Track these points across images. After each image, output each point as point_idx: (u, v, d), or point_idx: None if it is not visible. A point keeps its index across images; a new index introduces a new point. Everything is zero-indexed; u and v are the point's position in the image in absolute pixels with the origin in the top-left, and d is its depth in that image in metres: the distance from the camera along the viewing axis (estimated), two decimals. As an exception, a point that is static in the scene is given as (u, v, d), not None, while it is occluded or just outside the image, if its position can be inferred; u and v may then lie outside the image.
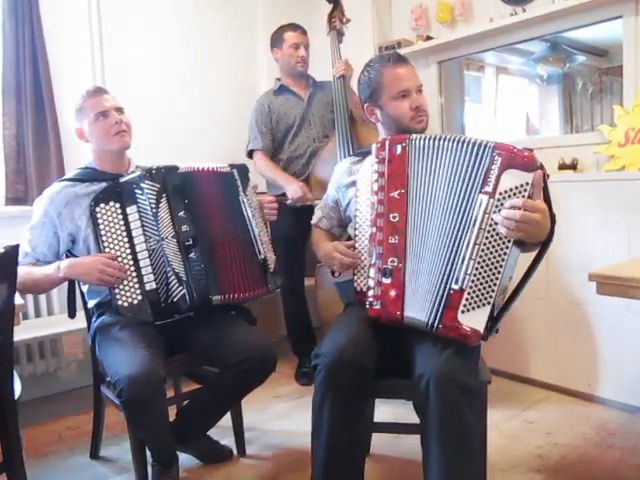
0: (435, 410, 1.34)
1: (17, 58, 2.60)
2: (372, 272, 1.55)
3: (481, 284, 1.38)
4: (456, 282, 1.39)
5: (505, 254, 1.37)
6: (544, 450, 2.05)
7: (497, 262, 1.37)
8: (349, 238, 1.76)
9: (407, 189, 1.51)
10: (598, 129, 2.46)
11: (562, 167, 2.51)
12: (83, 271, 1.74)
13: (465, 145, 1.43)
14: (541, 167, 1.35)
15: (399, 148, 1.53)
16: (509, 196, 1.35)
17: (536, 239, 1.39)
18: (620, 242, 2.25)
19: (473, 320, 1.39)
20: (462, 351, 1.41)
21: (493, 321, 1.41)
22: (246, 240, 1.90)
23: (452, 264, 1.41)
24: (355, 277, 1.63)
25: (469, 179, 1.41)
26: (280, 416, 2.45)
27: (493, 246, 1.37)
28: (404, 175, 1.52)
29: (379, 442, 2.01)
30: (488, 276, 1.38)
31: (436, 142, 1.49)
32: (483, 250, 1.37)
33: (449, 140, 1.47)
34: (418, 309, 1.46)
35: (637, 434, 2.13)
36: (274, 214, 2.04)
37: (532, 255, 1.46)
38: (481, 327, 1.39)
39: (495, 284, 1.38)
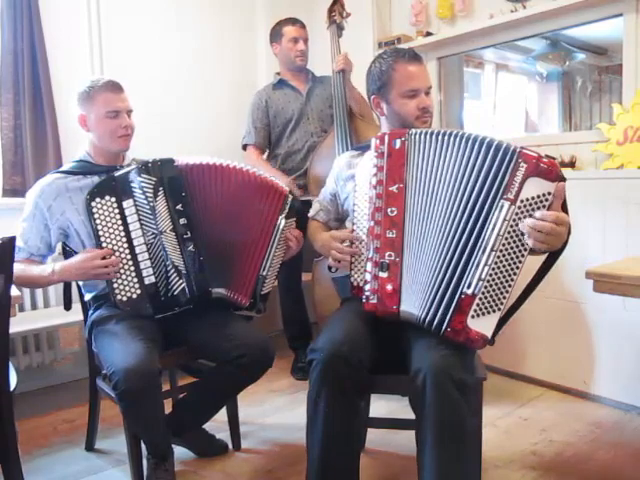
0: (431, 406, 1.34)
1: (15, 49, 2.58)
2: (369, 266, 1.54)
3: (494, 290, 1.37)
4: (468, 287, 1.38)
5: (520, 262, 1.36)
6: (539, 447, 2.06)
7: (512, 270, 1.36)
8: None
9: (406, 183, 1.50)
10: (597, 127, 2.46)
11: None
12: (77, 272, 1.74)
13: (479, 144, 1.39)
14: (563, 178, 1.33)
15: (398, 142, 1.52)
16: (530, 204, 1.33)
17: (553, 249, 1.39)
18: (618, 240, 2.25)
19: (482, 325, 1.38)
20: (459, 347, 1.41)
21: (498, 326, 1.41)
22: (257, 249, 1.86)
23: (464, 267, 1.38)
24: (352, 272, 1.63)
25: (485, 182, 1.37)
26: (276, 410, 2.46)
27: (509, 254, 1.35)
28: (403, 169, 1.50)
29: (374, 437, 2.01)
30: (502, 283, 1.36)
31: (439, 137, 1.46)
32: (499, 257, 1.35)
33: (454, 136, 1.43)
34: (414, 304, 1.46)
35: (631, 432, 2.14)
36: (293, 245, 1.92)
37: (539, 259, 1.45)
38: (489, 332, 1.39)
39: (507, 291, 1.37)
